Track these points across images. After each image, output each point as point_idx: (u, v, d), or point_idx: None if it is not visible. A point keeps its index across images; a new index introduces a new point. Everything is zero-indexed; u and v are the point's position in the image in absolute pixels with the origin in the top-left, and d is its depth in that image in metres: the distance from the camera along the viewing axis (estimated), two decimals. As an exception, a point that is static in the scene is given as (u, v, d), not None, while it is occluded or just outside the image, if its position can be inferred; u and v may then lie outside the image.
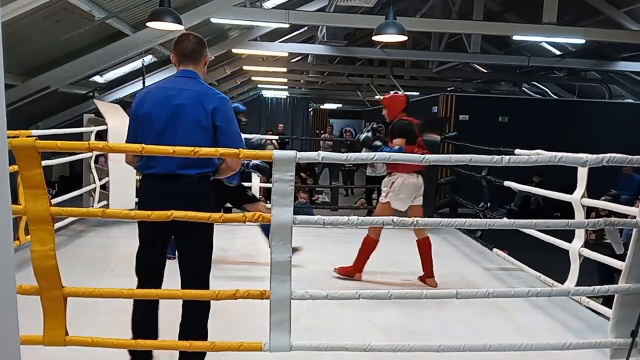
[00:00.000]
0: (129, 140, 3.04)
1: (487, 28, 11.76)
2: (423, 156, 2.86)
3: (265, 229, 5.59)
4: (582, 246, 4.74)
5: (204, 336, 3.00)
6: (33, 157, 2.59)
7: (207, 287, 3.07)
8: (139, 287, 3.03)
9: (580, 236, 4.82)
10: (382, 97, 5.33)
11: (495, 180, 6.82)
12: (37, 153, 2.59)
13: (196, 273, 3.07)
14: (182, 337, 2.99)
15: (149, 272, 3.07)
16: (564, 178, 5.37)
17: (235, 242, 6.39)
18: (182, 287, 3.05)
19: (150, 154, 2.76)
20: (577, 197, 4.70)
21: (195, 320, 3.04)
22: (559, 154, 3.12)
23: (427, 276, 5.30)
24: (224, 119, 2.98)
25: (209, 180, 3.07)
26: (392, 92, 5.71)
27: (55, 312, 2.79)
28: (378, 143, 5.34)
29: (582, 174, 4.70)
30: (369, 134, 5.45)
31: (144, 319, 3.06)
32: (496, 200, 11.63)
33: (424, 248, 5.34)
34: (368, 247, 5.24)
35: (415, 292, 3.15)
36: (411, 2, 16.23)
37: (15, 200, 2.68)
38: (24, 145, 2.58)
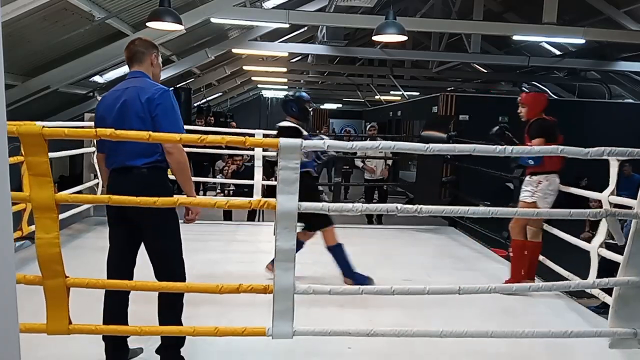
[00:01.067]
0: (98, 144, 3.38)
1: (487, 28, 11.79)
2: (427, 145, 2.87)
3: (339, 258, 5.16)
4: (600, 246, 4.65)
5: (178, 324, 3.11)
6: (40, 145, 2.62)
7: (180, 276, 3.16)
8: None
9: (601, 233, 4.72)
10: (520, 95, 5.29)
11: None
12: (44, 141, 2.62)
13: (161, 263, 3.16)
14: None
15: (114, 269, 3.22)
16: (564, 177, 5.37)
17: (234, 242, 6.39)
18: (156, 279, 3.16)
19: (158, 141, 2.84)
20: (606, 195, 4.63)
21: (169, 310, 3.13)
22: (561, 147, 3.15)
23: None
24: (158, 109, 3.08)
25: (159, 171, 3.16)
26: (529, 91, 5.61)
27: (58, 301, 2.80)
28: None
29: (613, 173, 4.61)
30: (497, 129, 5.42)
31: (116, 311, 3.17)
32: (497, 201, 11.64)
33: (532, 252, 5.17)
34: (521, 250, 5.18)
35: (417, 287, 3.15)
36: (411, 2, 16.27)
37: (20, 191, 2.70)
38: (31, 132, 2.60)
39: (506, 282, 5.05)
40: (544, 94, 5.35)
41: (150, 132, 2.81)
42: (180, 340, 3.14)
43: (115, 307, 3.17)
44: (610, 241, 4.53)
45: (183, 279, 3.16)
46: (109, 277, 3.16)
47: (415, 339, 3.61)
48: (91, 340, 3.13)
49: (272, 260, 5.49)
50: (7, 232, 1.44)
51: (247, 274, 5.45)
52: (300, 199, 2.82)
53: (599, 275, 4.27)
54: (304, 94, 5.45)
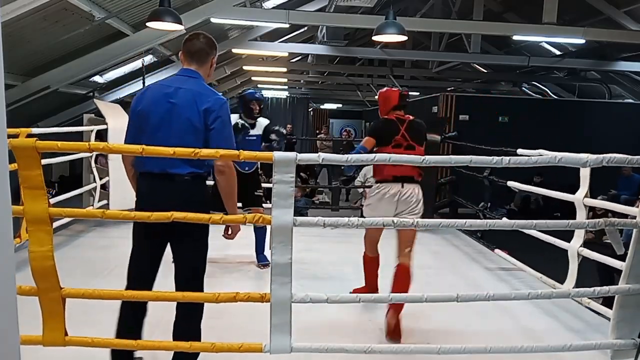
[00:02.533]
0: (127, 135, 3.07)
1: (487, 28, 11.76)
2: (423, 157, 2.85)
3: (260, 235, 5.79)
4: (580, 246, 4.75)
5: (197, 337, 3.01)
6: (33, 158, 2.59)
7: (202, 289, 3.08)
8: (127, 288, 3.04)
9: (579, 236, 4.83)
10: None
11: (497, 180, 6.82)
12: (37, 153, 2.59)
13: (190, 276, 3.06)
14: (175, 337, 3.00)
15: (138, 275, 3.08)
16: (564, 178, 5.37)
17: (235, 242, 6.37)
18: (177, 289, 3.05)
19: (150, 155, 2.75)
20: (580, 197, 4.70)
21: (188, 321, 3.05)
22: (560, 154, 3.12)
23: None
24: (216, 121, 2.95)
25: (201, 181, 3.05)
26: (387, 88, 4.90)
27: (54, 313, 2.78)
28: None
29: (585, 174, 4.70)
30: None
31: (131, 322, 3.07)
32: (496, 201, 11.64)
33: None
34: (365, 264, 4.87)
35: (415, 295, 3.13)
36: (411, 2, 16.22)
37: (18, 199, 2.69)
38: (24, 146, 2.57)
39: (354, 291, 4.78)
40: (395, 91, 4.70)
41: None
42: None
43: (131, 318, 3.06)
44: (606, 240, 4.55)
45: (202, 287, 3.09)
46: (128, 287, 3.05)
47: (414, 339, 3.61)
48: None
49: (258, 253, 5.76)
50: (7, 240, 1.43)
51: (247, 274, 5.46)
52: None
53: (601, 283, 4.30)
54: (249, 91, 5.90)
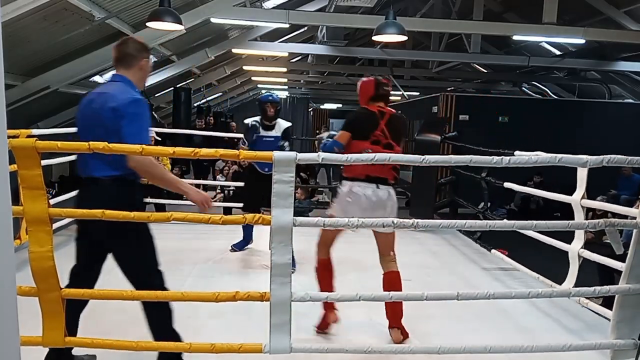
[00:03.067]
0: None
1: (487, 28, 11.77)
2: (423, 157, 2.85)
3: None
4: (581, 247, 4.75)
5: (168, 337, 2.99)
6: (33, 158, 2.59)
7: (158, 288, 3.02)
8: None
9: (579, 237, 4.82)
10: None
11: (495, 181, 6.82)
12: (37, 154, 2.59)
13: (138, 281, 3.01)
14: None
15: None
16: (565, 178, 5.36)
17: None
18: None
19: (150, 155, 2.76)
20: (577, 199, 4.70)
21: (152, 323, 3.04)
22: (559, 155, 3.12)
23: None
24: (123, 119, 2.91)
25: (125, 184, 2.99)
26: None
27: (54, 313, 2.78)
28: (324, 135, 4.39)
29: (582, 176, 4.70)
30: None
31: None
32: (496, 201, 11.64)
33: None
34: (320, 272, 4.23)
35: (415, 294, 3.13)
36: (411, 2, 16.22)
37: (17, 200, 2.69)
38: (24, 146, 2.58)
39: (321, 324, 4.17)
40: (372, 80, 4.24)
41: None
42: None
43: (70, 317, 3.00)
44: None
45: (163, 289, 3.03)
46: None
47: (414, 339, 3.61)
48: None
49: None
50: (7, 240, 1.43)
51: (247, 274, 5.46)
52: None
53: (601, 283, 4.29)
54: (264, 94, 6.11)
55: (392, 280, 3.96)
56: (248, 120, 5.93)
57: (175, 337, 3.02)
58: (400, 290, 3.92)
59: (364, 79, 4.31)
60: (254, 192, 5.62)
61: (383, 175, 3.91)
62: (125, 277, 3.03)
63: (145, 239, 3.03)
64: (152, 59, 3.32)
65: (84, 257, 3.09)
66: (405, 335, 3.79)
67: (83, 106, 3.09)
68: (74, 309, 3.02)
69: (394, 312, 3.89)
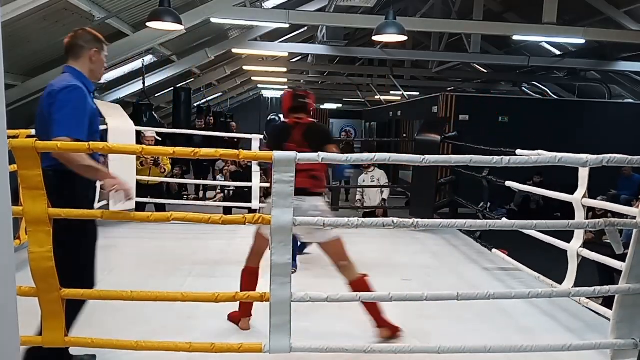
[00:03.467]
0: None
1: (487, 28, 11.78)
2: (423, 157, 2.84)
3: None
4: (580, 246, 4.75)
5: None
6: (33, 158, 2.59)
7: (81, 286, 2.93)
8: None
9: (579, 236, 4.82)
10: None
11: (496, 180, 6.81)
12: (36, 154, 2.59)
13: (63, 275, 2.85)
14: None
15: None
16: (564, 179, 5.36)
17: (234, 242, 6.38)
18: None
19: (147, 155, 2.76)
20: (578, 198, 4.70)
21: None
22: (560, 155, 3.12)
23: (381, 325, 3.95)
24: (51, 106, 2.88)
25: (63, 174, 2.89)
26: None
27: (53, 313, 2.78)
28: None
29: (583, 175, 4.70)
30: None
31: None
32: (496, 201, 11.63)
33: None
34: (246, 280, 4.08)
35: (415, 294, 3.13)
36: (411, 2, 16.24)
37: (17, 200, 2.69)
38: (24, 146, 2.58)
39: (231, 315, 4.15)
40: (289, 92, 4.27)
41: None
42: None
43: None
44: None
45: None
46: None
47: (413, 339, 3.61)
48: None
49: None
50: (7, 240, 1.43)
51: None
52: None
53: (601, 283, 4.29)
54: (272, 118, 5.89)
55: (358, 288, 3.79)
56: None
57: None
58: (369, 291, 3.77)
59: (284, 91, 4.37)
60: None
61: (302, 186, 3.52)
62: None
63: (70, 235, 2.89)
64: (105, 50, 3.22)
65: None
66: (394, 330, 3.80)
67: (41, 99, 3.05)
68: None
69: (371, 312, 3.84)
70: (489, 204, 7.52)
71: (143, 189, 8.06)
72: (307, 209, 3.77)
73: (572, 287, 4.60)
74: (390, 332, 3.81)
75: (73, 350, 3.10)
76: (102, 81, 12.46)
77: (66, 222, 2.80)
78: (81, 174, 2.92)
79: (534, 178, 13.19)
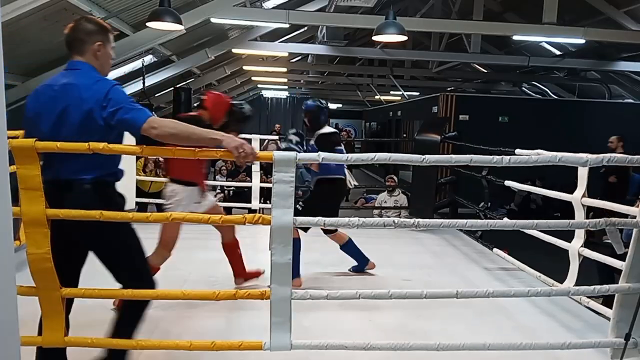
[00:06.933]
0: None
1: (487, 28, 11.77)
2: (423, 157, 2.84)
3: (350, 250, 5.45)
4: (581, 246, 4.75)
5: (124, 335, 2.88)
6: (32, 158, 2.58)
7: (146, 287, 2.89)
8: None
9: (579, 236, 4.82)
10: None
11: (495, 180, 6.81)
12: (36, 154, 2.58)
13: (121, 279, 2.88)
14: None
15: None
16: (565, 179, 5.36)
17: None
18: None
19: (149, 155, 2.72)
20: (578, 197, 4.70)
21: (121, 319, 2.93)
22: (559, 154, 3.12)
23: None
24: (109, 104, 2.65)
25: (105, 186, 2.79)
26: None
27: (54, 313, 2.77)
28: None
29: (583, 174, 4.70)
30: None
31: None
32: (496, 200, 11.63)
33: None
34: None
35: (415, 292, 3.14)
36: (411, 2, 16.24)
37: (17, 201, 2.68)
38: (23, 147, 2.57)
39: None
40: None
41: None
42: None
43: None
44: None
45: (152, 286, 2.92)
46: None
47: (413, 338, 3.60)
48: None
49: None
50: (7, 240, 1.43)
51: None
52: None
53: (601, 282, 4.28)
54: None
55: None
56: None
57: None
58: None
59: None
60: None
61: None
62: (113, 277, 2.89)
63: (125, 238, 2.87)
64: (111, 40, 2.93)
65: (65, 263, 2.79)
66: (249, 275, 4.83)
67: (43, 100, 2.73)
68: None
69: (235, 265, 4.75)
70: (489, 203, 7.52)
71: (145, 196, 8.13)
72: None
73: (573, 286, 4.60)
74: (243, 277, 4.82)
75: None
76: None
77: (128, 226, 2.83)
78: (194, 143, 2.74)
79: (537, 182, 13.19)
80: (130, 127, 2.67)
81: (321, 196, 5.18)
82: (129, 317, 2.92)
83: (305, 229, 4.99)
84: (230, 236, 4.77)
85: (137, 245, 2.90)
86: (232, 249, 4.81)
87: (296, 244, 4.78)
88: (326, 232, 5.28)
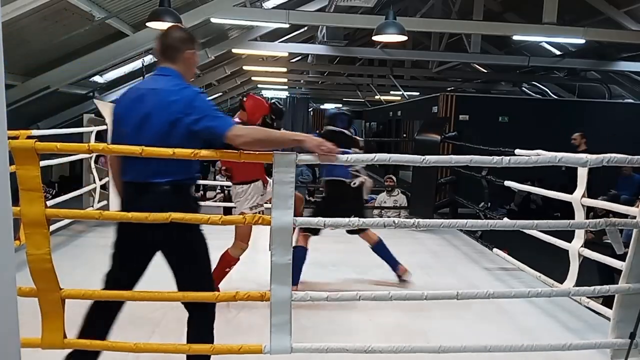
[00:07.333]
0: (111, 143, 2.89)
1: (487, 28, 11.76)
2: (423, 157, 2.85)
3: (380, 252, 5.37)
4: (581, 246, 4.75)
5: (206, 340, 2.90)
6: (32, 159, 2.58)
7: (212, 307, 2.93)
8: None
9: (580, 236, 4.82)
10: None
11: (495, 180, 6.81)
12: (36, 155, 2.58)
13: (193, 287, 2.87)
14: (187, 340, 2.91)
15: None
16: (565, 179, 5.36)
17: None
18: (185, 305, 2.93)
19: (149, 156, 2.68)
20: (577, 197, 4.70)
21: (195, 325, 2.93)
22: (559, 154, 3.12)
23: None
24: (193, 112, 2.70)
25: (183, 190, 2.84)
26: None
27: (53, 314, 2.77)
28: None
29: (582, 174, 4.70)
30: None
31: (102, 326, 2.89)
32: (496, 200, 11.63)
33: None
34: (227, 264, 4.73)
35: (415, 293, 3.13)
36: (411, 2, 16.23)
37: (17, 201, 2.68)
38: (23, 147, 2.57)
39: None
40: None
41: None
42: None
43: (101, 326, 2.87)
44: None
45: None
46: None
47: (414, 339, 3.60)
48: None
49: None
50: (7, 241, 1.43)
51: (247, 275, 5.45)
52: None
53: (601, 283, 4.28)
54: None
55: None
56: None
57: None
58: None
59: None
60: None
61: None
62: (177, 285, 2.89)
63: (201, 248, 2.90)
64: (198, 49, 3.06)
65: (132, 263, 2.88)
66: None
67: (129, 104, 2.83)
68: (108, 314, 2.89)
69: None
70: (489, 203, 7.52)
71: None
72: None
73: (573, 286, 4.60)
74: None
75: None
76: (102, 81, 12.51)
77: (199, 235, 2.85)
78: (278, 146, 2.83)
79: (536, 183, 13.18)
80: (214, 135, 2.74)
81: (332, 198, 5.33)
82: (202, 325, 2.94)
83: (316, 232, 5.06)
84: (237, 251, 4.67)
85: (205, 254, 2.94)
86: (226, 262, 4.67)
87: (301, 252, 4.87)
88: (352, 231, 5.25)
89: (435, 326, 4.21)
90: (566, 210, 5.02)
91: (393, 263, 5.30)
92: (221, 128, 2.71)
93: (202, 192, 13.74)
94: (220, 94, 23.02)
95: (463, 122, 14.63)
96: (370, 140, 20.57)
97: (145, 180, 2.76)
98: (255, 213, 4.45)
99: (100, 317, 2.87)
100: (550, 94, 20.80)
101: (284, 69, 19.15)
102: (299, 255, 4.81)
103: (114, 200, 7.16)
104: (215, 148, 2.82)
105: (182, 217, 2.69)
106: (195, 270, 2.89)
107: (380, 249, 5.30)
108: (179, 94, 2.75)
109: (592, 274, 6.08)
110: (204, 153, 2.73)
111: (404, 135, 19.02)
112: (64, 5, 7.65)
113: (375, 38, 8.91)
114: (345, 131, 5.41)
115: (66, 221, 6.38)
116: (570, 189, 4.83)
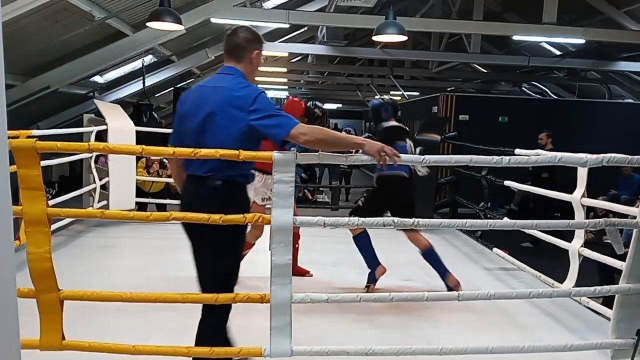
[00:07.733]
0: (171, 138, 3.08)
1: (487, 28, 11.76)
2: (424, 157, 2.85)
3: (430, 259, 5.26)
4: (581, 246, 4.75)
5: (216, 341, 2.91)
6: (32, 158, 2.58)
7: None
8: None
9: (579, 236, 4.82)
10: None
11: (495, 180, 6.81)
12: (36, 154, 2.58)
13: (209, 284, 2.94)
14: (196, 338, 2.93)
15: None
16: (566, 178, 5.36)
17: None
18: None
19: (149, 155, 2.71)
20: (577, 197, 4.70)
21: (206, 325, 2.96)
22: (559, 154, 3.12)
23: None
24: (255, 112, 2.79)
25: (235, 187, 2.91)
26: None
27: (51, 315, 2.76)
28: None
29: (582, 174, 4.70)
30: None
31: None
32: (496, 201, 11.63)
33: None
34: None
35: (416, 294, 3.13)
36: (411, 2, 16.23)
37: (17, 200, 2.68)
38: (24, 146, 2.57)
39: None
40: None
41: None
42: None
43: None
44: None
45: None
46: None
47: (414, 340, 3.60)
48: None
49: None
50: (7, 240, 1.43)
51: (247, 275, 5.44)
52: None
53: (601, 283, 4.29)
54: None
55: None
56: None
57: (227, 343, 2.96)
58: None
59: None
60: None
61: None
62: (202, 283, 2.97)
63: (230, 247, 2.93)
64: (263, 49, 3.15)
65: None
66: None
67: (194, 102, 2.94)
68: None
69: None
70: (489, 203, 7.52)
71: (145, 196, 8.12)
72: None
73: (573, 286, 4.60)
74: None
75: None
76: (102, 81, 12.51)
77: (235, 232, 2.87)
78: (338, 148, 2.98)
79: (542, 174, 13.12)
80: (276, 134, 2.82)
81: (382, 194, 5.27)
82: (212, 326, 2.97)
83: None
84: (251, 237, 4.91)
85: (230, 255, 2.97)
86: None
87: (364, 236, 5.00)
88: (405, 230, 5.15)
89: (435, 326, 4.21)
90: (566, 212, 5.01)
91: (442, 271, 5.14)
92: (286, 126, 2.80)
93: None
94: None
95: (463, 122, 14.63)
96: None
97: (202, 175, 2.85)
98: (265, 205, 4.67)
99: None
100: (550, 94, 20.78)
101: (284, 69, 19.14)
102: (365, 240, 5.01)
103: (114, 200, 7.20)
104: (277, 147, 2.89)
105: (183, 216, 2.69)
106: (217, 266, 2.93)
107: (430, 255, 5.17)
108: (242, 91, 2.86)
109: (593, 273, 6.08)
110: (204, 152, 2.73)
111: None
112: (64, 5, 7.65)
113: (375, 38, 8.91)
114: (395, 123, 5.32)
115: (66, 221, 6.38)
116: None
